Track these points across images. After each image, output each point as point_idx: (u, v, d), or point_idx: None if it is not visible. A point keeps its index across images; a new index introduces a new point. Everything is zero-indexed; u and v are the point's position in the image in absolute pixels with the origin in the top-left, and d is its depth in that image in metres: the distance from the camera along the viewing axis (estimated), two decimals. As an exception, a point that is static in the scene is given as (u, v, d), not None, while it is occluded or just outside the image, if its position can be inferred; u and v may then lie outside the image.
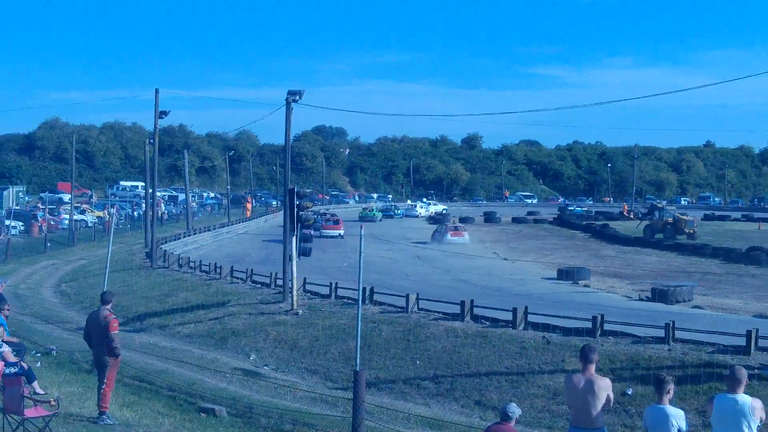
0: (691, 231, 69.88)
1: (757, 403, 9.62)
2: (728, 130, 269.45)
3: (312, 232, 56.06)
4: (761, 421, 9.58)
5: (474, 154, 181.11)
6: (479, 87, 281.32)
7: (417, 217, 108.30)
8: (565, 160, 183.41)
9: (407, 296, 28.42)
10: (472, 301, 26.75)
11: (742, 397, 9.56)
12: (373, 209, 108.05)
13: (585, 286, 41.80)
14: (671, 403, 10.01)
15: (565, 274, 44.20)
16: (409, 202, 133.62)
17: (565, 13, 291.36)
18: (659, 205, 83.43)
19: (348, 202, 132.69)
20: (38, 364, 21.09)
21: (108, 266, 25.63)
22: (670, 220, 72.22)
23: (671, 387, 10.03)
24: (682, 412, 9.95)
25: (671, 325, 21.66)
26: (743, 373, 9.76)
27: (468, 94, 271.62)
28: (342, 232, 71.40)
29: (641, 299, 36.53)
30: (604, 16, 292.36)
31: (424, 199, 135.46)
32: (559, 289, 40.16)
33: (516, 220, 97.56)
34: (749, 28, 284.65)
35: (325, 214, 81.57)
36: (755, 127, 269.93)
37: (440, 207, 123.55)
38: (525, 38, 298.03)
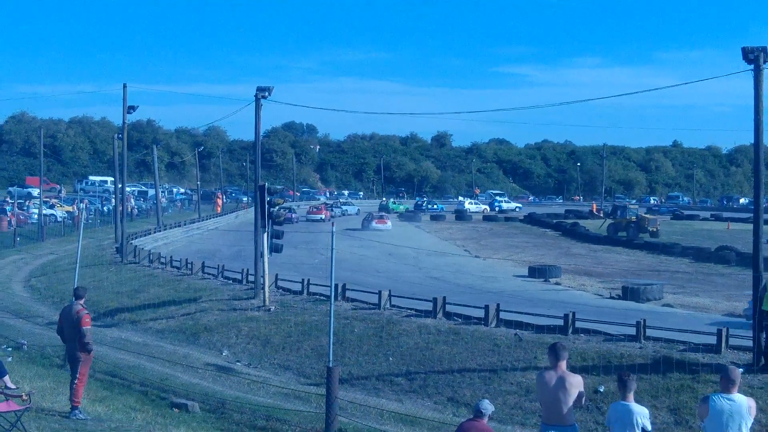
0: (654, 229, 71.41)
1: (752, 402, 9.67)
2: (696, 129, 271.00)
3: (296, 216, 72.56)
4: (753, 418, 9.64)
5: (444, 152, 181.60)
6: (449, 85, 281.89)
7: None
8: (535, 159, 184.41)
9: (379, 293, 28.46)
10: (444, 298, 26.81)
11: (739, 397, 9.57)
12: (391, 202, 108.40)
13: (556, 283, 41.95)
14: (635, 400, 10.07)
15: (537, 272, 44.32)
16: (460, 198, 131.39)
17: (534, 12, 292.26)
18: (621, 205, 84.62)
19: (318, 199, 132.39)
20: (9, 359, 20.96)
21: (78, 261, 25.46)
22: (634, 218, 73.65)
23: (634, 384, 10.09)
24: (646, 410, 10.00)
25: (642, 323, 21.86)
26: (737, 374, 9.74)
27: (438, 92, 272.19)
28: (323, 216, 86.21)
29: (612, 297, 36.69)
30: (573, 15, 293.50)
31: (495, 195, 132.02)
32: (531, 286, 40.28)
33: (487, 218, 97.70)
34: (716, 29, 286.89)
35: (337, 203, 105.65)
36: (723, 127, 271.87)
37: (513, 204, 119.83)
38: (494, 37, 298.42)
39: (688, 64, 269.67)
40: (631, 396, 9.96)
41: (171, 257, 44.61)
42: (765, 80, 19.58)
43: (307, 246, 55.90)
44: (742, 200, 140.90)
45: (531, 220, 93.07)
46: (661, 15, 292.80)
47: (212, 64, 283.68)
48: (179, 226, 70.22)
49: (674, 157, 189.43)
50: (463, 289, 37.20)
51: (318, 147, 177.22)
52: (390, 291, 29.05)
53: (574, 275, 45.40)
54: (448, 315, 26.21)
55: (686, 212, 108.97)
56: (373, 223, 77.64)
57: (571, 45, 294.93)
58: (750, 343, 19.59)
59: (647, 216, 76.53)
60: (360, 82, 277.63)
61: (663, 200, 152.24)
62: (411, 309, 27.39)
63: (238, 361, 25.77)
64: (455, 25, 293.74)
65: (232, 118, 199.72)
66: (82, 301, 15.69)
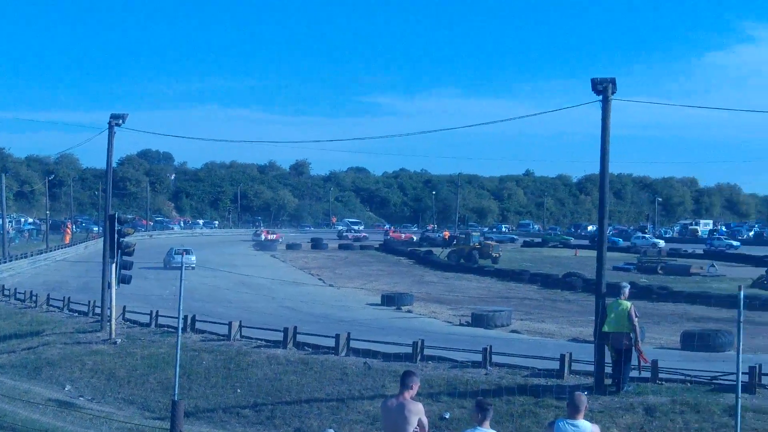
0: (497, 255, 73.87)
1: (597, 429, 9.74)
2: (547, 160, 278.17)
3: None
4: None
5: (302, 180, 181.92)
6: (311, 113, 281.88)
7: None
8: (392, 188, 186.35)
9: (230, 324, 28.19)
10: (295, 328, 26.73)
11: (584, 423, 9.64)
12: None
13: (408, 311, 42.35)
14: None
15: (389, 300, 44.70)
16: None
17: (396, 43, 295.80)
18: (464, 232, 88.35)
19: (173, 228, 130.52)
20: None
21: None
22: (477, 245, 75.64)
23: (491, 413, 10.14)
24: None
25: (488, 349, 22.24)
26: (583, 399, 9.86)
27: (298, 120, 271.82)
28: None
29: (462, 324, 37.22)
30: (433, 45, 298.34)
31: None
32: (383, 314, 40.56)
33: (343, 247, 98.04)
34: (569, 61, 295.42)
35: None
36: (574, 156, 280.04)
37: None
38: (357, 67, 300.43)
39: (542, 95, 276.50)
40: (487, 423, 9.96)
41: (15, 289, 43.36)
42: (612, 111, 20.15)
43: (157, 277, 54.99)
44: (590, 227, 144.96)
45: (386, 248, 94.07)
46: (518, 47, 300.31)
47: (67, 91, 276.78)
48: (25, 257, 68.10)
49: (526, 185, 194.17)
50: (316, 318, 37.15)
51: (174, 175, 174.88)
52: (240, 322, 28.78)
53: (426, 303, 45.94)
54: (298, 345, 26.13)
55: (536, 239, 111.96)
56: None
57: (432, 76, 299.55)
58: (592, 368, 20.10)
59: (490, 242, 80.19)
60: (219, 110, 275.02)
61: (514, 227, 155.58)
62: (262, 339, 27.21)
63: (81, 396, 25.04)
64: (319, 53, 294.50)
65: (86, 146, 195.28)
66: None
